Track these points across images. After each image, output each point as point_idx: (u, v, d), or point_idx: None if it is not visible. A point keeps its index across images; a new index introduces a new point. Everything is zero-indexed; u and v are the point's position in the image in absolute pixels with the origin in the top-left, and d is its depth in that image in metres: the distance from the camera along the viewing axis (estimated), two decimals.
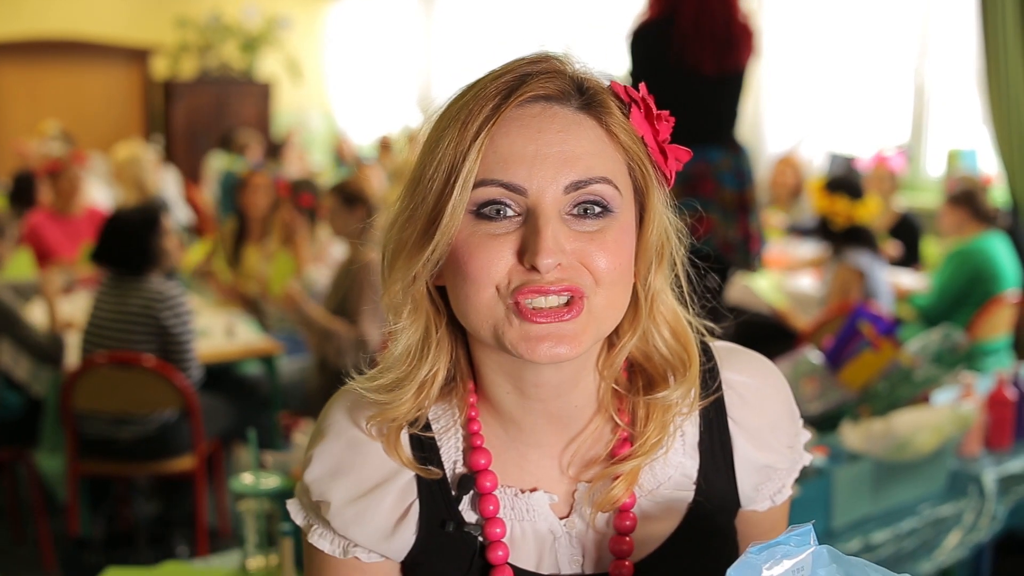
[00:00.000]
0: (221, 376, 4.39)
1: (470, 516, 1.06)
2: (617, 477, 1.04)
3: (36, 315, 4.61)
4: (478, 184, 0.95)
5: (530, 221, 0.94)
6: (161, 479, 4.14)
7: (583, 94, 0.99)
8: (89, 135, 9.93)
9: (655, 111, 1.01)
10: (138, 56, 11.09)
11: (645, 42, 3.50)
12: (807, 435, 1.18)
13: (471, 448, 1.06)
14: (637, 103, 1.01)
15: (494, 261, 0.94)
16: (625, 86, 1.02)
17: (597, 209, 0.96)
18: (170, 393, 3.71)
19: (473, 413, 1.07)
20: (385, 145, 10.23)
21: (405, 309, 1.02)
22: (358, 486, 1.05)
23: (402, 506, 1.05)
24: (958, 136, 7.32)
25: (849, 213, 4.57)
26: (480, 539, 1.04)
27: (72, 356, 3.95)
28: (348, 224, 4.43)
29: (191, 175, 9.99)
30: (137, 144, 7.17)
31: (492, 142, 0.95)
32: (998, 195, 5.62)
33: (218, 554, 2.38)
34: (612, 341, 1.04)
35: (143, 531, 4.25)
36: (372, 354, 1.03)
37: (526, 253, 0.93)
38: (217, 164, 8.86)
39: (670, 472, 1.07)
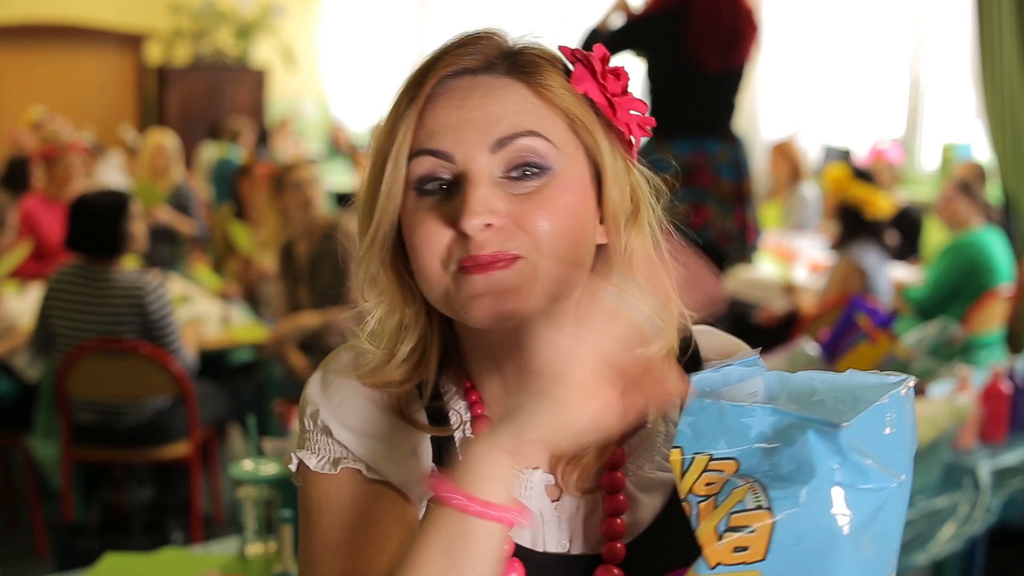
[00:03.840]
0: (216, 363, 4.39)
1: None
2: (588, 447, 1.04)
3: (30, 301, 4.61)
4: (410, 157, 0.97)
5: (459, 187, 0.95)
6: (156, 465, 4.13)
7: (511, 60, 1.00)
8: (82, 121, 9.89)
9: (601, 68, 1.00)
10: (132, 42, 11.04)
11: (650, 34, 3.49)
12: None
13: (475, 416, 1.07)
14: (582, 61, 1.01)
15: (432, 233, 0.96)
16: (573, 49, 1.02)
17: (534, 169, 0.96)
18: (165, 379, 3.70)
19: (468, 384, 1.08)
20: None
21: (374, 289, 1.04)
22: (379, 430, 1.05)
23: (426, 466, 1.06)
24: (953, 129, 7.34)
25: (879, 204, 4.59)
26: None
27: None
28: (317, 203, 4.39)
29: (185, 163, 9.95)
30: (163, 132, 7.15)
31: (420, 119, 0.97)
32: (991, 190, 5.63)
33: (216, 540, 2.38)
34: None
35: (138, 517, 4.25)
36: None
37: (455, 219, 0.94)
38: (209, 154, 8.83)
39: (653, 452, 1.07)
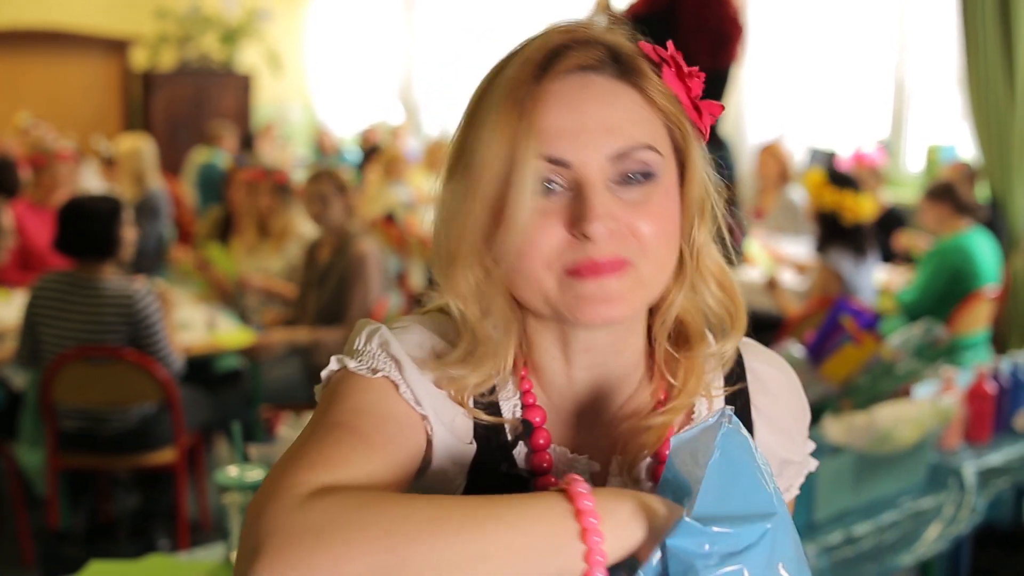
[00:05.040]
0: (201, 369, 4.38)
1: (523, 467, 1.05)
2: (645, 431, 1.05)
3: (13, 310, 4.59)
4: None
5: (578, 192, 0.95)
6: (142, 472, 4.12)
7: (618, 61, 1.00)
8: (68, 127, 9.86)
9: (686, 68, 1.02)
10: (117, 47, 11.02)
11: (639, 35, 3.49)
12: (812, 445, 1.18)
13: (525, 406, 1.06)
14: (667, 62, 1.02)
15: (546, 236, 0.96)
16: (654, 46, 1.03)
17: (641, 176, 0.97)
18: (150, 386, 3.69)
19: (524, 371, 1.07)
20: (368, 138, 10.22)
21: (486, 296, 1.01)
22: (439, 394, 1.02)
23: (465, 436, 1.03)
24: (938, 131, 7.37)
25: (856, 209, 4.61)
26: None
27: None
28: (336, 211, 4.40)
29: (170, 167, 9.92)
30: (139, 137, 7.12)
31: (536, 117, 0.95)
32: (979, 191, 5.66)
33: (202, 547, 2.37)
34: (658, 300, 1.05)
35: (124, 524, 4.23)
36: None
37: (577, 222, 0.94)
38: (198, 159, 8.83)
39: None
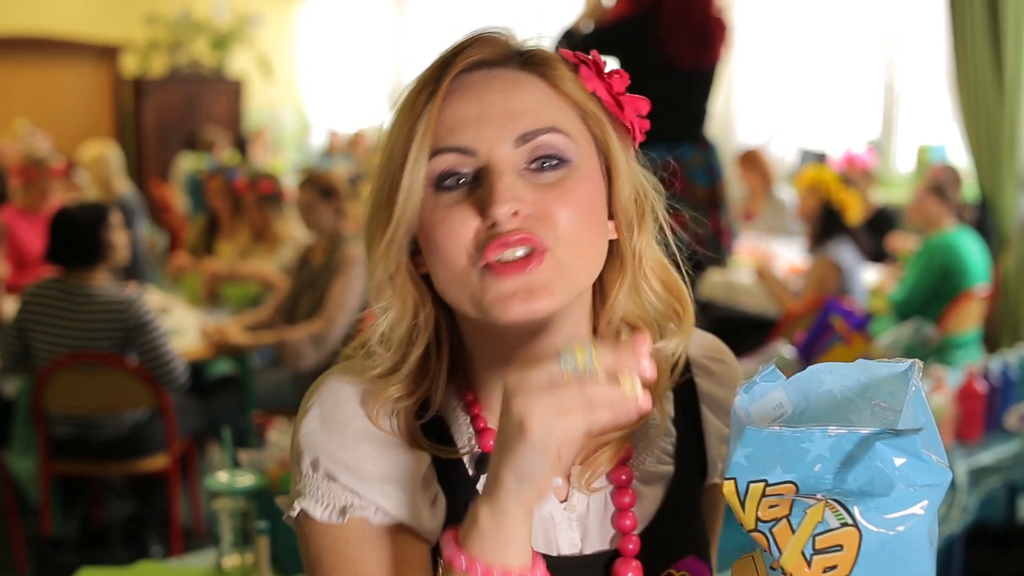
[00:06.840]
0: (194, 375, 4.36)
1: None
2: (604, 446, 1.05)
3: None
4: (431, 156, 0.96)
5: (484, 178, 0.95)
6: (134, 479, 4.11)
7: (524, 56, 1.01)
8: (58, 133, 9.84)
9: (605, 68, 1.02)
10: (107, 53, 11.00)
11: (623, 37, 3.50)
12: None
13: (479, 430, 1.05)
14: (586, 63, 1.02)
15: (458, 227, 0.95)
16: (573, 51, 1.03)
17: (554, 161, 0.97)
18: (142, 392, 3.69)
19: (471, 397, 1.06)
20: (358, 141, 10.22)
21: (387, 293, 1.02)
22: (387, 469, 1.02)
23: (431, 491, 1.03)
24: (928, 131, 7.38)
25: (856, 210, 4.65)
26: None
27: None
28: (324, 216, 4.39)
29: (161, 173, 9.92)
30: (105, 144, 7.11)
31: (439, 114, 0.97)
32: (967, 190, 5.67)
33: (193, 553, 2.38)
34: (600, 302, 1.05)
35: (117, 531, 4.23)
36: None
37: (484, 208, 0.94)
38: (185, 165, 8.82)
39: (653, 446, 1.08)
